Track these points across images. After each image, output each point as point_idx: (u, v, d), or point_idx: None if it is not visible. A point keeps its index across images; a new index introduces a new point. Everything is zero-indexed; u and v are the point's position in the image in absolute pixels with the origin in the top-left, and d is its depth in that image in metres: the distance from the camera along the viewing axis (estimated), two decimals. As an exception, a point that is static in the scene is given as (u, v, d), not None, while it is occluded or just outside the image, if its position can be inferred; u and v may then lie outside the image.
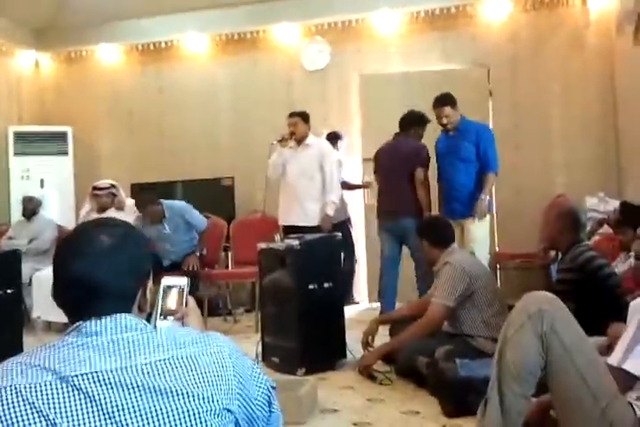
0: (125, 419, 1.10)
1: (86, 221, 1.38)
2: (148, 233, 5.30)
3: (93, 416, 1.10)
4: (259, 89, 7.00)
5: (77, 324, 1.19)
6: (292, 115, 5.57)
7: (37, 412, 1.08)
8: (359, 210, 6.62)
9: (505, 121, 6.16)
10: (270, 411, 1.31)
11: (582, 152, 6.14)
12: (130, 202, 6.15)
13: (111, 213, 6.06)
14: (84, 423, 1.09)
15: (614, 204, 4.71)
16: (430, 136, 5.19)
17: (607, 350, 2.53)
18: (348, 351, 4.07)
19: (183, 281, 1.47)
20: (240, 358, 1.26)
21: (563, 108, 6.23)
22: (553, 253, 3.78)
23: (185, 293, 1.43)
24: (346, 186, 6.20)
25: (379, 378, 3.64)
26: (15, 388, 1.10)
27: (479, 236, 4.62)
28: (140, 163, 7.30)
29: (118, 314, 1.20)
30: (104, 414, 1.10)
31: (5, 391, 1.10)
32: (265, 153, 5.73)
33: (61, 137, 7.29)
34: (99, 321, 1.18)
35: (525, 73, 6.34)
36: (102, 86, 7.50)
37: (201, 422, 1.14)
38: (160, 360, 1.15)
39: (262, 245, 4.41)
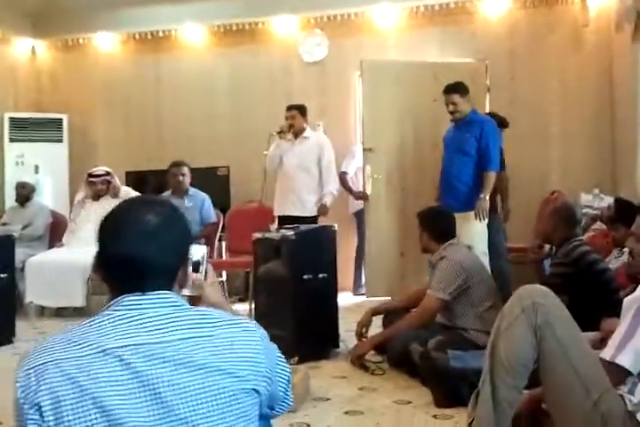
0: (164, 391, 1.13)
1: (130, 199, 1.39)
2: None
3: (133, 388, 1.13)
4: (256, 80, 6.99)
5: (119, 298, 1.22)
6: (289, 108, 5.59)
7: (79, 386, 1.11)
8: (359, 203, 6.62)
9: (502, 116, 6.18)
10: (286, 393, 1.36)
11: (578, 149, 6.17)
12: (125, 189, 6.16)
13: (106, 200, 6.07)
14: (124, 395, 1.12)
15: (609, 200, 4.74)
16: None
17: (600, 344, 2.55)
18: (340, 341, 4.09)
19: (202, 250, 1.49)
20: (268, 342, 1.30)
21: (560, 104, 6.26)
22: (547, 247, 3.80)
23: (204, 262, 1.44)
24: (346, 186, 6.21)
25: (371, 368, 3.66)
26: (57, 363, 1.13)
27: (476, 231, 4.59)
28: (135, 151, 7.29)
29: (160, 291, 1.22)
30: (144, 385, 1.13)
31: (47, 367, 1.14)
32: (261, 143, 5.75)
33: (57, 124, 7.28)
34: (142, 297, 1.21)
35: (523, 69, 6.36)
36: (99, 74, 7.48)
37: (234, 400, 1.18)
38: (197, 337, 1.18)
39: (257, 235, 4.41)
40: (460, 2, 6.42)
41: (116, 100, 7.44)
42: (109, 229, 1.26)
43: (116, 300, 1.22)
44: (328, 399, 3.20)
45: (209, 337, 1.20)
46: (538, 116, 6.27)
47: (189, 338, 1.18)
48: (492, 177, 4.64)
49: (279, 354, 1.34)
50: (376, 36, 6.67)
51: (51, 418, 1.12)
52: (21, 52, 7.59)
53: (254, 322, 1.31)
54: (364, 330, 3.92)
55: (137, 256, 1.21)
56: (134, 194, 6.09)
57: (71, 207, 6.48)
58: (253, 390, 1.21)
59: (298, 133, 5.55)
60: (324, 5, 6.72)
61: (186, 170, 5.77)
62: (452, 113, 4.77)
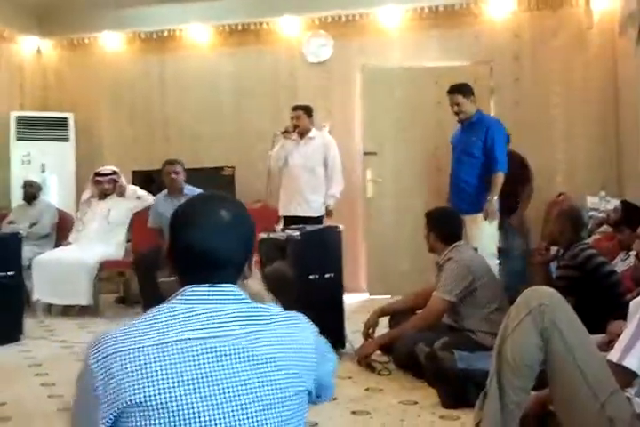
0: (221, 384, 1.19)
1: (203, 194, 1.48)
2: (163, 208, 5.30)
3: (192, 380, 1.18)
4: (261, 80, 7.01)
5: (187, 287, 1.28)
6: (295, 108, 5.61)
7: (145, 376, 1.17)
8: (361, 203, 6.67)
9: (506, 119, 6.16)
10: (331, 381, 1.44)
11: (583, 151, 6.19)
12: (131, 188, 6.18)
13: (112, 199, 6.10)
14: (184, 386, 1.17)
15: (615, 203, 4.75)
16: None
17: (607, 346, 2.58)
18: (347, 342, 4.11)
19: None
20: (319, 337, 1.37)
21: (564, 107, 6.28)
22: (554, 250, 3.83)
23: None
24: None
25: (377, 368, 3.68)
26: (115, 354, 1.19)
27: (486, 233, 4.58)
28: (141, 151, 7.30)
29: (225, 284, 1.29)
30: (203, 378, 1.19)
31: (108, 358, 1.19)
32: (266, 144, 5.77)
33: (63, 123, 7.29)
34: (209, 288, 1.27)
35: (527, 72, 6.38)
36: (104, 74, 7.50)
37: (286, 395, 1.24)
38: (257, 331, 1.25)
39: (263, 235, 4.43)
40: (464, 4, 6.44)
41: (122, 99, 7.46)
42: (184, 222, 1.32)
43: (184, 289, 1.29)
44: (335, 399, 3.20)
45: (268, 332, 1.26)
46: (542, 118, 6.29)
47: (250, 332, 1.24)
48: (500, 178, 4.63)
49: (327, 344, 1.42)
50: (381, 37, 6.68)
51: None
52: (27, 51, 7.60)
53: (303, 316, 1.37)
54: (370, 331, 3.93)
55: (210, 249, 1.28)
56: (141, 193, 6.12)
57: (77, 206, 6.50)
58: (304, 389, 1.28)
59: (303, 134, 5.57)
60: (328, 6, 6.74)
61: (179, 168, 5.56)
62: (456, 113, 4.80)
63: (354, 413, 3.05)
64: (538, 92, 6.32)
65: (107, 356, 1.20)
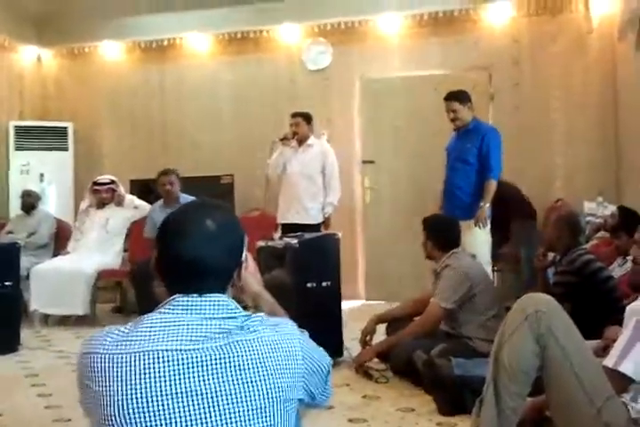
0: (199, 395, 1.18)
1: (190, 203, 1.45)
2: (158, 218, 5.28)
3: (168, 390, 1.18)
4: (261, 88, 7.02)
5: (174, 296, 1.28)
6: (294, 115, 5.59)
7: (118, 382, 1.18)
8: (359, 209, 6.67)
9: (505, 124, 6.17)
10: (326, 384, 1.41)
11: (582, 157, 6.17)
12: (129, 198, 6.18)
13: (110, 208, 6.09)
14: (160, 395, 1.17)
15: (612, 208, 4.73)
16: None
17: (603, 352, 2.56)
18: (344, 349, 4.09)
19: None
20: (308, 342, 1.36)
21: (563, 112, 6.26)
22: (551, 255, 3.81)
23: (244, 251, 1.44)
24: None
25: (375, 376, 3.66)
26: (95, 355, 1.22)
27: (480, 240, 4.56)
28: (139, 160, 7.31)
29: (214, 294, 1.28)
30: (181, 389, 1.18)
31: (89, 357, 1.23)
32: (265, 152, 5.76)
33: (62, 132, 7.31)
34: (196, 298, 1.27)
35: (527, 77, 6.37)
36: (104, 83, 7.52)
37: (271, 404, 1.22)
38: (239, 341, 1.23)
39: (261, 243, 4.42)
40: (463, 10, 6.44)
41: (121, 108, 7.47)
42: (172, 231, 1.31)
43: (172, 298, 1.28)
44: (331, 407, 3.19)
45: (253, 341, 1.24)
46: (541, 122, 6.28)
47: (234, 342, 1.22)
48: (492, 185, 4.60)
49: (317, 348, 1.40)
50: (380, 44, 6.69)
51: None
52: (27, 60, 7.63)
53: (292, 323, 1.36)
54: (368, 338, 3.90)
55: (198, 258, 1.28)
56: (138, 203, 6.11)
57: (76, 215, 6.50)
58: (291, 398, 1.26)
59: (302, 141, 5.56)
60: (328, 14, 6.75)
61: (174, 178, 5.55)
62: (452, 120, 4.76)
63: (351, 421, 3.03)
64: (537, 96, 6.32)
65: (89, 353, 1.23)
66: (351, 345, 4.11)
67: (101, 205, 6.13)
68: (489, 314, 3.53)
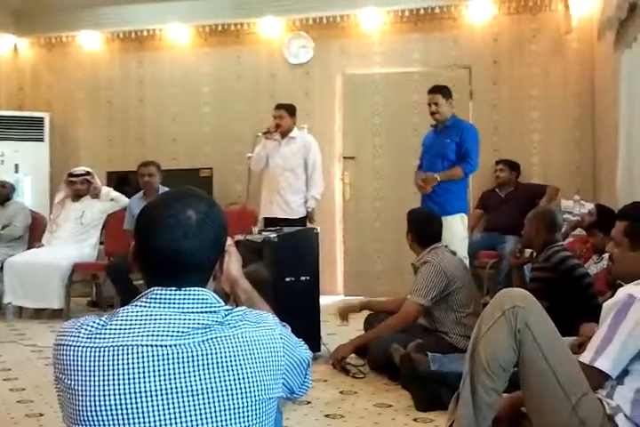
0: (176, 392, 1.15)
1: (169, 193, 1.38)
2: (137, 209, 5.23)
3: (146, 387, 1.15)
4: (241, 81, 6.97)
5: (151, 289, 1.24)
6: (278, 107, 5.54)
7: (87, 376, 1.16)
8: (338, 205, 6.66)
9: (484, 122, 6.21)
10: (305, 377, 1.40)
11: (559, 155, 6.22)
12: (105, 190, 6.12)
13: (86, 200, 6.03)
14: (136, 392, 1.14)
15: (589, 206, 4.77)
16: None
17: (579, 348, 2.58)
18: (322, 345, 4.08)
19: None
20: (289, 337, 1.33)
21: (542, 111, 6.30)
22: (528, 252, 3.83)
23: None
24: None
25: (352, 371, 3.66)
26: (68, 347, 1.19)
27: (457, 236, 4.55)
28: (117, 151, 7.24)
29: (193, 288, 1.24)
30: (157, 385, 1.15)
31: (61, 349, 1.20)
32: (245, 145, 5.74)
33: (38, 123, 7.20)
34: (174, 292, 1.23)
35: (506, 76, 6.39)
36: (82, 73, 7.42)
37: (248, 403, 1.19)
38: (218, 337, 1.20)
39: (239, 237, 4.38)
40: (444, 7, 6.44)
41: (99, 99, 7.39)
42: (151, 223, 1.26)
43: (149, 290, 1.25)
44: (308, 403, 3.19)
45: (231, 337, 1.21)
46: (520, 121, 6.31)
47: (212, 338, 1.19)
48: (459, 173, 4.60)
49: (298, 341, 1.38)
50: (361, 39, 6.68)
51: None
52: (4, 49, 7.51)
53: (274, 317, 1.34)
54: (346, 316, 3.98)
55: (178, 252, 1.23)
56: (115, 195, 6.05)
57: (51, 207, 6.41)
58: (270, 397, 1.24)
59: (285, 133, 5.51)
60: (309, 8, 6.71)
61: (153, 169, 5.51)
62: (432, 113, 4.75)
63: (327, 416, 3.03)
64: (516, 95, 6.35)
65: (62, 345, 1.20)
66: (328, 340, 4.11)
67: (77, 197, 6.05)
68: (466, 311, 3.54)
